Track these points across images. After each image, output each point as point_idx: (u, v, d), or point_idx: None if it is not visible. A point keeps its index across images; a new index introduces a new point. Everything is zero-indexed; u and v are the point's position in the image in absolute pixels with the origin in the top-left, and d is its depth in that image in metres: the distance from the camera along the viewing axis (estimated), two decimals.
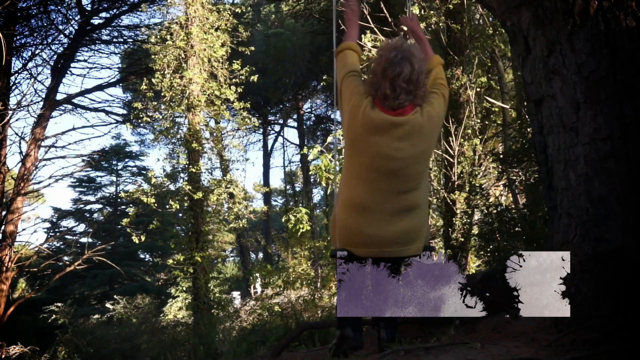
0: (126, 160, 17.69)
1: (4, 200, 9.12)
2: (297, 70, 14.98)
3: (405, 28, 2.71)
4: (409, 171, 2.22)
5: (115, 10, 11.22)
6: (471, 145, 6.73)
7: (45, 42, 10.44)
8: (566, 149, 2.23)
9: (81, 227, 16.75)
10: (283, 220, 8.27)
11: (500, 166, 5.85)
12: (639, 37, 2.12)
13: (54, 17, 10.44)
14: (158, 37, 10.12)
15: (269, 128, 21.36)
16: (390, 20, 7.32)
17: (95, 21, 11.19)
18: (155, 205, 9.29)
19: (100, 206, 17.79)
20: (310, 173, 17.10)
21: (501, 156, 5.97)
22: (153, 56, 9.53)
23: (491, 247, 4.62)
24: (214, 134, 10.13)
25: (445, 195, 6.67)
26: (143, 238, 9.62)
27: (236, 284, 18.15)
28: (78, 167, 11.23)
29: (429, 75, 2.38)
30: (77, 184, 17.22)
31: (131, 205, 10.88)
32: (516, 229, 4.41)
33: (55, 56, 10.50)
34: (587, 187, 2.15)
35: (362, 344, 2.38)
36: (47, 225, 16.10)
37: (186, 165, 9.48)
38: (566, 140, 2.23)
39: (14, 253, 9.09)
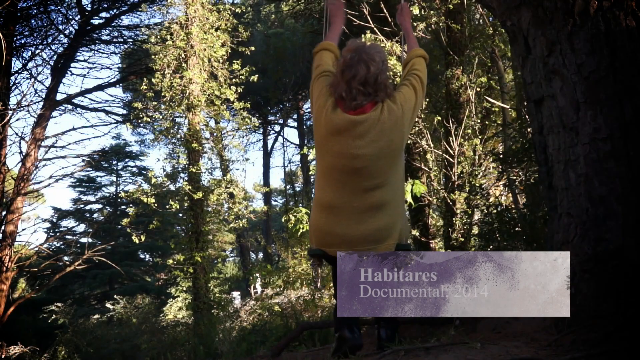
0: (126, 160, 17.69)
1: (4, 200, 9.12)
2: (297, 70, 14.98)
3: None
4: (372, 168, 2.20)
5: (115, 10, 11.22)
6: (471, 145, 6.73)
7: (45, 42, 10.45)
8: (566, 149, 2.23)
9: (81, 227, 16.76)
10: (283, 220, 8.27)
11: (500, 166, 5.86)
12: (639, 37, 2.12)
13: (54, 17, 10.46)
14: (158, 37, 10.12)
15: (269, 128, 21.36)
16: (390, 20, 7.32)
17: (95, 21, 11.20)
18: (155, 205, 9.28)
19: (100, 206, 17.79)
20: (310, 173, 17.11)
21: (501, 156, 5.97)
22: (153, 56, 9.53)
23: (491, 247, 4.62)
24: (214, 134, 10.13)
25: (445, 195, 6.67)
26: (143, 238, 9.61)
27: (236, 284, 18.15)
28: (78, 167, 11.23)
29: (406, 67, 2.39)
30: (77, 184, 17.23)
31: (131, 205, 10.87)
32: (516, 229, 4.41)
33: (55, 56, 10.51)
34: (587, 187, 2.15)
35: (362, 343, 2.37)
36: (47, 225, 16.11)
37: (186, 165, 9.48)
38: (566, 140, 2.23)
39: (14, 253, 9.09)
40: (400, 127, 2.22)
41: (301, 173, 21.39)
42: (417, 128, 7.14)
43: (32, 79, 9.80)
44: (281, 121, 21.14)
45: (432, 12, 7.15)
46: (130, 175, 17.86)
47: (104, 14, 11.25)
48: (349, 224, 2.23)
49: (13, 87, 9.75)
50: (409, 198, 5.85)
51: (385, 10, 7.27)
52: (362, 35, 7.06)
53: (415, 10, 6.96)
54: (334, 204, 2.26)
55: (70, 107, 11.11)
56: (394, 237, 2.28)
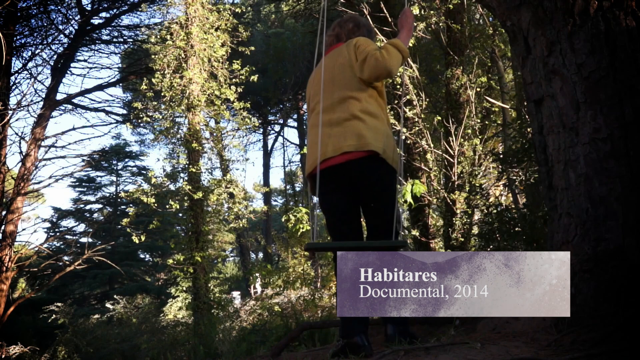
0: (126, 160, 17.70)
1: (4, 200, 9.12)
2: (297, 70, 14.98)
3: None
4: None
5: (115, 10, 11.22)
6: (471, 145, 6.73)
7: (45, 42, 10.45)
8: (566, 149, 2.23)
9: (81, 227, 16.77)
10: (283, 220, 8.27)
11: (500, 166, 5.86)
12: (639, 37, 2.12)
13: (54, 17, 10.46)
14: (158, 37, 10.12)
15: (269, 128, 21.36)
16: (390, 20, 7.32)
17: (95, 21, 11.20)
18: (155, 205, 9.28)
19: (100, 206, 17.79)
20: None
21: (501, 156, 5.97)
22: (153, 56, 9.54)
23: (491, 247, 4.63)
24: (214, 134, 10.13)
25: (445, 195, 6.67)
26: (143, 238, 9.61)
27: (236, 284, 18.15)
28: (78, 167, 11.25)
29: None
30: (77, 184, 17.24)
31: (131, 205, 10.88)
32: (516, 229, 4.41)
33: (55, 56, 10.52)
34: (587, 187, 2.15)
35: (372, 353, 2.25)
36: (47, 225, 16.11)
37: (186, 165, 9.48)
38: (566, 140, 2.23)
39: (14, 253, 9.09)
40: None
41: (301, 173, 21.39)
42: (417, 128, 7.14)
43: (32, 79, 9.81)
44: (281, 121, 21.15)
45: (432, 12, 7.15)
46: (130, 175, 17.88)
47: (104, 14, 11.26)
48: None
49: (13, 87, 9.76)
50: (409, 198, 5.85)
51: (385, 10, 7.27)
52: None
53: (415, 10, 6.96)
54: None
55: (70, 107, 11.12)
56: None
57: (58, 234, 15.42)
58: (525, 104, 3.52)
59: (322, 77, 2.37)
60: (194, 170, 9.31)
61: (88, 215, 17.61)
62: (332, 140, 2.29)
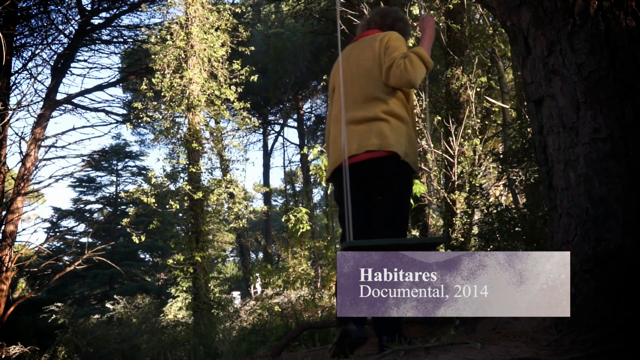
0: (126, 160, 17.70)
1: (4, 200, 9.12)
2: (297, 70, 14.98)
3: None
4: None
5: (115, 10, 11.22)
6: (471, 145, 6.73)
7: (45, 42, 10.45)
8: (566, 149, 2.23)
9: (81, 227, 16.77)
10: (283, 220, 8.27)
11: (500, 166, 5.86)
12: (639, 37, 2.12)
13: (54, 17, 10.45)
14: (158, 37, 10.12)
15: (269, 128, 21.35)
16: None
17: (95, 21, 11.19)
18: (155, 205, 9.28)
19: (100, 206, 17.79)
20: (310, 173, 17.10)
21: (501, 156, 5.97)
22: (153, 56, 9.53)
23: (491, 247, 4.63)
24: (214, 134, 10.13)
25: (445, 195, 6.67)
26: (143, 238, 9.61)
27: (236, 284, 18.15)
28: (78, 167, 11.25)
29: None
30: (77, 184, 17.24)
31: (131, 205, 10.87)
32: (516, 229, 4.41)
33: (55, 56, 10.51)
34: (587, 187, 2.15)
35: (368, 336, 2.31)
36: (47, 225, 16.11)
37: (186, 165, 9.48)
38: (566, 140, 2.23)
39: (14, 253, 9.09)
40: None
41: (301, 173, 21.39)
42: (417, 128, 7.14)
43: (32, 79, 9.80)
44: (281, 121, 21.14)
45: (432, 12, 7.15)
46: (130, 175, 17.88)
47: (104, 14, 11.25)
48: None
49: (13, 87, 9.76)
50: None
51: None
52: None
53: (415, 11, 6.96)
54: None
55: (70, 107, 11.11)
56: None
57: (58, 234, 15.43)
58: (525, 104, 3.52)
59: (340, 74, 2.35)
60: (194, 170, 9.31)
61: (88, 215, 17.62)
62: (356, 138, 2.32)
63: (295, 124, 20.85)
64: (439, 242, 2.36)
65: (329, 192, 8.85)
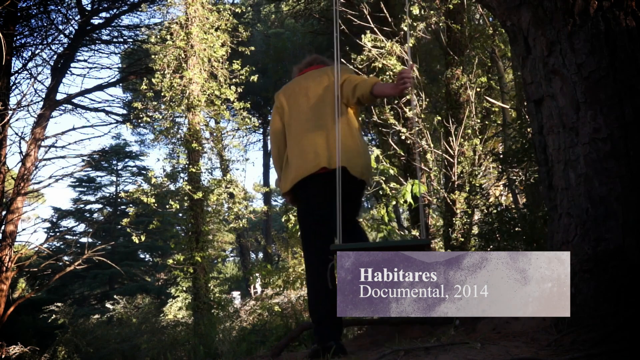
0: (126, 160, 17.70)
1: (4, 200, 9.12)
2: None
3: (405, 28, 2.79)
4: None
5: (115, 10, 11.22)
6: (471, 145, 6.73)
7: (45, 42, 10.45)
8: (566, 149, 2.23)
9: (81, 227, 16.76)
10: (283, 220, 8.27)
11: (500, 166, 5.86)
12: (639, 37, 2.12)
13: (54, 17, 10.45)
14: (158, 37, 10.11)
15: (269, 128, 21.33)
16: (390, 20, 7.32)
17: (95, 21, 11.19)
18: (155, 205, 9.27)
19: (100, 206, 17.79)
20: None
21: (501, 156, 5.97)
22: (153, 56, 9.52)
23: (491, 247, 4.62)
24: (214, 134, 10.12)
25: (445, 195, 6.67)
26: (143, 238, 9.60)
27: (236, 284, 18.14)
28: (78, 167, 11.25)
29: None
30: (77, 184, 17.23)
31: (131, 205, 10.87)
32: (516, 229, 4.41)
33: (55, 56, 10.51)
34: (587, 187, 2.14)
35: (346, 352, 2.44)
36: (47, 225, 16.11)
37: (186, 165, 9.47)
38: (566, 140, 2.23)
39: (14, 253, 9.09)
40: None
41: None
42: (417, 128, 7.14)
43: (32, 79, 9.80)
44: None
45: (432, 12, 7.15)
46: (130, 175, 17.88)
47: (104, 14, 11.25)
48: None
49: (13, 87, 9.76)
50: (409, 198, 5.85)
51: (385, 11, 7.27)
52: (362, 36, 7.06)
53: (415, 10, 6.96)
54: None
55: (70, 107, 11.11)
56: None
57: (58, 234, 15.42)
58: (525, 104, 3.52)
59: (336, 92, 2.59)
60: (194, 170, 9.30)
61: (88, 215, 17.61)
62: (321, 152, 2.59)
63: None
64: (423, 244, 2.39)
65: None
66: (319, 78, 2.70)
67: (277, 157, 2.79)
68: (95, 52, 11.51)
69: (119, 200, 16.71)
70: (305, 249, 2.63)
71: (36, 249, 10.02)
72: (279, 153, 2.76)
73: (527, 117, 4.76)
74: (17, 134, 10.54)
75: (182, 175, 9.68)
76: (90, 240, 13.73)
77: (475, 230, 6.45)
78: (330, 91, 2.61)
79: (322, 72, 2.74)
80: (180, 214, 10.06)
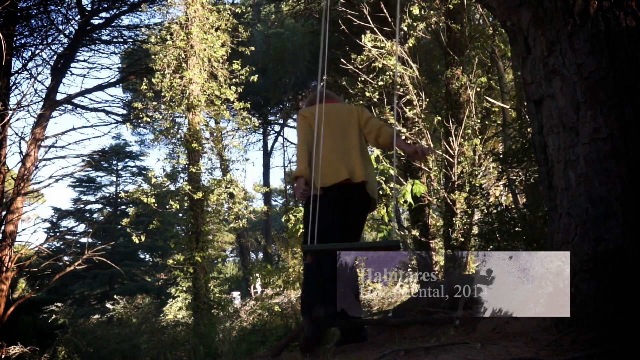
0: (126, 160, 17.69)
1: (4, 200, 9.12)
2: (297, 70, 14.95)
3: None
4: None
5: (115, 10, 11.22)
6: (471, 145, 6.73)
7: (45, 42, 10.45)
8: (566, 149, 2.23)
9: (81, 227, 16.75)
10: (283, 220, 8.26)
11: (500, 166, 5.86)
12: (639, 37, 2.12)
13: (54, 17, 10.45)
14: (158, 37, 10.11)
15: (269, 128, 21.34)
16: (390, 20, 7.32)
17: (95, 21, 11.20)
18: (155, 205, 9.26)
19: (100, 206, 17.78)
20: None
21: (501, 156, 5.97)
22: (153, 56, 9.52)
23: (491, 247, 4.63)
24: (214, 134, 10.12)
25: (445, 195, 6.67)
26: (143, 238, 9.59)
27: (236, 284, 18.15)
28: (78, 167, 11.25)
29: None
30: (77, 184, 17.22)
31: (131, 205, 10.87)
32: (516, 229, 4.41)
33: (55, 56, 10.51)
34: (587, 187, 2.14)
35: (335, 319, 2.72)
36: (47, 225, 16.10)
37: (186, 165, 9.47)
38: (566, 140, 2.23)
39: (14, 253, 9.09)
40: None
41: None
42: (417, 128, 7.14)
43: (32, 79, 9.81)
44: (281, 121, 21.12)
45: (432, 12, 7.15)
46: (130, 175, 17.86)
47: (104, 14, 11.25)
48: None
49: (13, 87, 9.76)
50: (409, 198, 5.85)
51: (385, 11, 7.27)
52: (362, 36, 7.06)
53: (415, 10, 6.96)
54: None
55: (70, 107, 11.11)
56: None
57: (58, 234, 15.42)
58: (525, 104, 3.52)
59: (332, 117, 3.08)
60: (194, 170, 9.30)
61: (88, 215, 17.60)
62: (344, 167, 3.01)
63: (295, 124, 20.79)
64: (392, 246, 2.53)
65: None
66: (346, 111, 3.19)
67: (306, 150, 3.04)
68: (95, 52, 11.53)
69: (119, 200, 16.71)
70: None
71: (36, 249, 10.02)
72: (308, 147, 3.03)
73: (527, 117, 4.76)
74: (17, 134, 10.56)
75: (182, 175, 9.68)
76: (90, 240, 13.73)
77: (475, 230, 6.45)
78: (357, 124, 3.13)
79: (350, 107, 3.29)
80: (180, 214, 10.06)
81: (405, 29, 7.00)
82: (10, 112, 8.68)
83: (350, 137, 3.09)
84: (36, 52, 10.13)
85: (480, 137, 6.95)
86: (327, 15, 2.88)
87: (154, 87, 9.21)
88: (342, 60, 7.23)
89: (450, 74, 7.36)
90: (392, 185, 6.66)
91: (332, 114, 3.13)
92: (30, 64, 10.08)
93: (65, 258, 12.32)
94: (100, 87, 11.38)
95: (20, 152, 9.28)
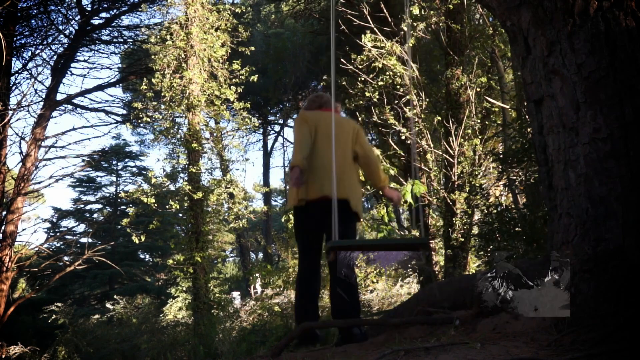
0: (126, 160, 17.69)
1: (4, 200, 9.12)
2: (297, 70, 14.95)
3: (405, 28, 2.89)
4: None
5: (115, 10, 11.22)
6: (471, 145, 6.73)
7: (45, 42, 10.45)
8: (566, 149, 2.23)
9: (81, 227, 16.75)
10: (283, 220, 8.27)
11: (500, 166, 5.86)
12: (639, 37, 2.12)
13: (54, 17, 10.46)
14: (158, 37, 10.11)
15: (269, 128, 21.34)
16: (390, 20, 7.32)
17: (95, 21, 11.20)
18: (155, 205, 9.26)
19: (100, 206, 17.78)
20: None
21: (501, 156, 5.97)
22: (153, 56, 9.52)
23: (491, 247, 4.63)
24: (214, 134, 10.12)
25: (445, 195, 6.67)
26: (143, 238, 9.59)
27: (236, 284, 18.15)
28: (78, 167, 11.25)
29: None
30: (77, 184, 17.23)
31: (131, 205, 10.86)
32: (516, 229, 4.41)
33: (55, 56, 10.52)
34: (587, 187, 2.14)
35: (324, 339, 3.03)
36: (47, 225, 16.10)
37: (186, 165, 9.47)
38: (566, 140, 2.23)
39: (14, 253, 9.09)
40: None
41: None
42: (417, 128, 7.14)
43: (32, 79, 9.81)
44: (281, 121, 21.11)
45: (432, 12, 7.15)
46: (130, 175, 17.86)
47: (104, 14, 11.26)
48: None
49: (13, 87, 9.76)
50: (409, 198, 5.85)
51: (385, 11, 7.27)
52: (362, 36, 7.06)
53: (415, 10, 6.96)
54: None
55: (70, 107, 11.12)
56: None
57: (58, 234, 15.42)
58: (525, 104, 3.52)
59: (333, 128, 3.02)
60: (194, 170, 9.29)
61: (88, 215, 17.60)
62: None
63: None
64: (422, 243, 2.65)
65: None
66: (347, 126, 3.30)
67: (304, 145, 3.21)
68: (95, 52, 11.53)
69: (119, 200, 16.71)
70: (301, 254, 3.22)
71: (36, 249, 10.02)
72: (307, 144, 3.20)
73: (527, 117, 4.76)
74: (17, 134, 10.57)
75: (182, 175, 9.67)
76: (90, 240, 13.72)
77: (475, 230, 6.45)
78: (348, 142, 3.26)
79: (348, 122, 3.42)
80: (180, 214, 10.05)
81: (405, 29, 7.00)
82: (10, 112, 8.69)
83: (343, 153, 3.20)
84: (36, 52, 10.14)
85: (480, 137, 6.95)
86: (334, 14, 2.87)
87: (154, 87, 9.21)
88: (342, 60, 7.24)
89: (450, 74, 7.36)
90: (392, 185, 6.66)
91: (331, 125, 3.16)
92: (30, 64, 10.10)
93: (65, 258, 12.32)
94: (100, 87, 11.38)
95: (21, 152, 9.29)
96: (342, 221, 3.03)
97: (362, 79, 7.28)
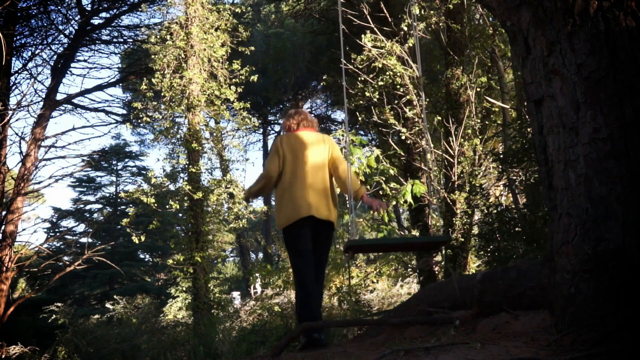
0: (126, 160, 17.69)
1: (4, 200, 9.12)
2: (297, 70, 14.95)
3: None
4: None
5: (115, 10, 11.22)
6: (471, 145, 6.73)
7: (45, 42, 10.46)
8: (566, 149, 2.23)
9: (81, 227, 16.77)
10: None
11: (500, 166, 5.86)
12: (639, 37, 2.12)
13: (54, 17, 10.46)
14: (158, 37, 10.10)
15: (269, 128, 21.33)
16: (390, 20, 7.32)
17: (95, 21, 11.20)
18: (155, 205, 9.26)
19: (100, 206, 17.78)
20: None
21: (501, 156, 5.97)
22: (153, 56, 9.51)
23: (491, 247, 4.63)
24: (214, 134, 10.11)
25: (445, 195, 6.67)
26: (143, 238, 9.58)
27: (236, 284, 18.15)
28: (78, 167, 11.26)
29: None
30: (77, 184, 17.23)
31: (131, 205, 10.86)
32: (516, 229, 4.42)
33: (55, 56, 10.52)
34: (587, 187, 2.14)
35: (327, 344, 3.15)
36: (47, 225, 16.11)
37: (186, 165, 9.46)
38: (566, 140, 2.23)
39: (14, 253, 9.09)
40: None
41: None
42: (417, 128, 7.14)
43: (32, 79, 9.81)
44: (281, 121, 21.11)
45: (432, 12, 7.15)
46: (130, 175, 17.87)
47: (104, 14, 11.26)
48: None
49: (13, 87, 9.77)
50: (409, 198, 5.85)
51: (385, 10, 7.27)
52: (362, 35, 7.06)
53: (415, 10, 6.96)
54: None
55: (70, 107, 11.12)
56: None
57: (58, 234, 15.42)
58: (525, 104, 3.52)
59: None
60: (194, 170, 9.29)
61: (88, 215, 17.61)
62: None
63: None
64: (444, 241, 2.72)
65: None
66: (319, 146, 3.49)
67: (262, 188, 3.52)
68: (95, 52, 11.54)
69: (119, 200, 16.71)
70: (294, 267, 3.41)
71: (36, 249, 10.03)
72: (267, 186, 3.48)
73: (527, 117, 4.76)
74: (17, 134, 10.57)
75: (182, 175, 9.67)
76: (90, 240, 13.73)
77: (475, 230, 6.45)
78: (325, 162, 3.48)
79: (321, 139, 3.55)
80: (180, 214, 10.05)
81: (405, 28, 7.00)
82: (10, 112, 8.69)
83: (323, 174, 3.44)
84: (36, 52, 10.14)
85: (480, 137, 6.95)
86: (340, 14, 2.89)
87: (154, 87, 9.20)
88: (342, 60, 7.22)
89: (450, 74, 7.36)
90: (392, 185, 6.66)
91: (304, 143, 3.46)
92: (30, 64, 10.10)
93: (65, 258, 12.32)
94: (100, 87, 11.38)
95: (20, 152, 9.29)
96: (327, 238, 3.48)
97: (362, 79, 7.28)
